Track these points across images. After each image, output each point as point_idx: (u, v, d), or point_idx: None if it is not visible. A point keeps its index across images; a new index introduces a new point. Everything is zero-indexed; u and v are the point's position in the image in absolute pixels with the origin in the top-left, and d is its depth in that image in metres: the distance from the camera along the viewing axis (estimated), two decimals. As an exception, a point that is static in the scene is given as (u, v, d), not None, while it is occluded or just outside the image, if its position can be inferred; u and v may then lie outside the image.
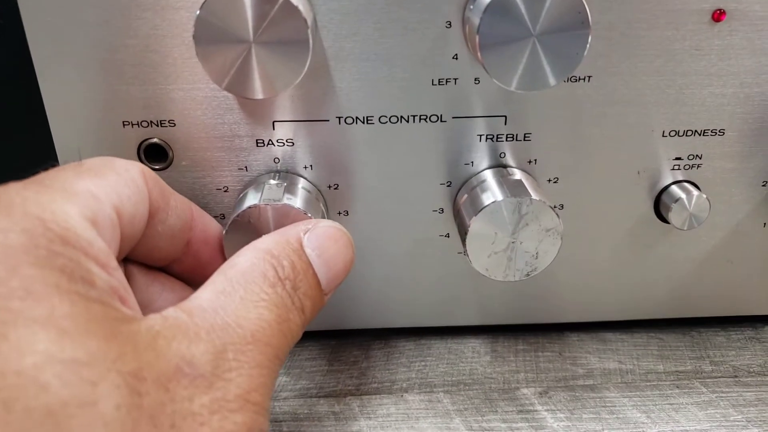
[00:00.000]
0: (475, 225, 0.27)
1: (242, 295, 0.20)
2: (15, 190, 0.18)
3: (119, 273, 0.19)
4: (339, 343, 0.34)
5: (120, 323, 0.17)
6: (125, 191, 0.21)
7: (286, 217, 0.27)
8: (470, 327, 0.34)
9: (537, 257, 0.28)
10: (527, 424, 0.29)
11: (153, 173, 0.24)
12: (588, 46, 0.24)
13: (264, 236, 0.23)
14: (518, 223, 0.27)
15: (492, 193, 0.28)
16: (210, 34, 0.23)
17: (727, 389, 0.31)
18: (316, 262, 0.22)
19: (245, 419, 0.17)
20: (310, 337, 0.34)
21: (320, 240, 0.23)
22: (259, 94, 0.24)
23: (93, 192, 0.20)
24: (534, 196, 0.27)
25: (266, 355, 0.19)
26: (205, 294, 0.20)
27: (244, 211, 0.26)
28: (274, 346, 0.19)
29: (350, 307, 0.33)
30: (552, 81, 0.24)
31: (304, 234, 0.23)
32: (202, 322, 0.18)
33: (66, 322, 0.15)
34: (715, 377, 0.32)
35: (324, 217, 0.29)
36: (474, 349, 0.34)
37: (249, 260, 0.21)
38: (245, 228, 0.26)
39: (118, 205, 0.21)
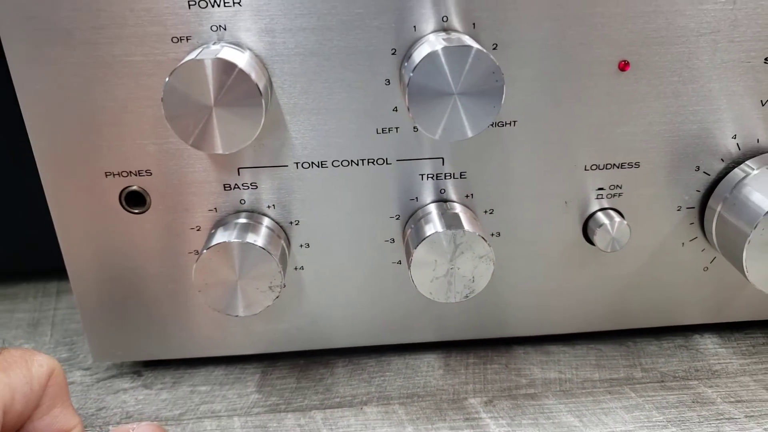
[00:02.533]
0: (418, 254, 0.31)
1: None
2: None
3: None
4: (307, 362, 0.38)
5: None
6: (23, 389, 0.24)
7: (250, 253, 0.30)
8: (426, 343, 0.38)
9: (473, 281, 0.32)
10: (472, 430, 0.32)
11: (63, 376, 0.27)
12: (502, 101, 0.28)
13: None
14: (455, 252, 0.31)
15: (433, 225, 0.31)
16: (177, 99, 0.27)
17: (653, 393, 0.34)
18: None
19: None
20: (280, 357, 0.38)
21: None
22: (220, 150, 0.28)
23: None
24: (467, 227, 0.31)
25: None
26: None
27: (212, 247, 0.30)
28: None
29: (316, 329, 0.36)
30: (470, 133, 0.28)
31: (132, 431, 0.27)
32: None
33: None
34: (644, 383, 0.35)
35: (286, 253, 0.33)
36: (429, 364, 0.37)
37: None
38: (213, 262, 0.30)
39: (7, 403, 0.24)
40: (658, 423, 0.32)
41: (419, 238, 0.31)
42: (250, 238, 0.31)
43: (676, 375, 0.36)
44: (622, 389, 0.35)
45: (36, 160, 0.31)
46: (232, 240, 0.30)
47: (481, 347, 0.38)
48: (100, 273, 0.34)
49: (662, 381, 0.35)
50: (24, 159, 0.34)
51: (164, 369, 0.37)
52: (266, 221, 0.33)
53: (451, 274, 0.31)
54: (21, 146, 0.33)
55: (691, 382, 0.35)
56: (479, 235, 0.31)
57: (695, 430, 0.32)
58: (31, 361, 0.26)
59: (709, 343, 0.38)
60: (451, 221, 0.31)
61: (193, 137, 0.28)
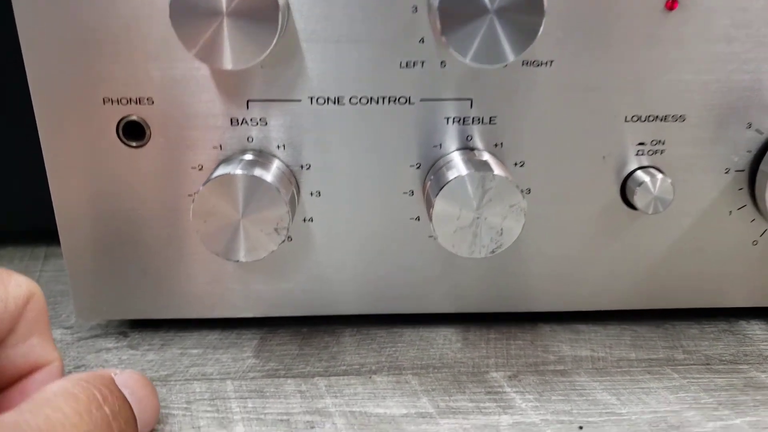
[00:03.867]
0: (441, 200, 0.28)
1: (48, 414, 0.19)
2: None
3: None
4: (311, 330, 0.34)
5: None
6: None
7: (256, 189, 0.27)
8: (442, 316, 0.35)
9: (501, 234, 0.28)
10: (495, 404, 0.29)
11: (44, 304, 0.24)
12: (544, 18, 0.25)
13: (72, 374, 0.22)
14: (482, 199, 0.28)
15: (457, 170, 0.28)
16: (185, 2, 0.25)
17: (698, 375, 0.31)
18: (130, 399, 0.22)
19: None
20: (281, 324, 0.34)
21: (130, 381, 0.23)
22: (227, 64, 0.25)
23: None
24: (498, 172, 0.28)
25: None
26: (6, 415, 0.18)
27: (216, 177, 0.27)
28: None
29: (321, 292, 0.33)
30: (510, 56, 0.25)
31: (114, 375, 0.23)
32: None
33: None
34: (687, 365, 0.32)
35: (295, 199, 0.30)
36: (445, 337, 0.34)
37: (60, 385, 0.20)
38: (215, 197, 0.27)
39: None
40: (707, 405, 0.29)
41: (441, 183, 0.28)
42: (258, 172, 0.28)
43: (723, 358, 0.32)
44: (663, 370, 0.31)
45: (29, 81, 0.29)
46: (237, 172, 0.27)
47: (503, 323, 0.35)
48: (90, 215, 0.31)
49: (708, 364, 0.32)
50: (15, 118, 0.32)
51: (153, 331, 0.34)
52: (276, 162, 0.30)
53: (476, 224, 0.28)
54: (12, 104, 0.31)
55: (740, 366, 0.31)
56: (511, 180, 0.28)
57: (751, 413, 0.28)
58: (8, 280, 0.23)
59: (756, 329, 0.35)
60: (478, 166, 0.28)
61: (198, 46, 0.25)
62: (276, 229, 0.28)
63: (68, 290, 0.33)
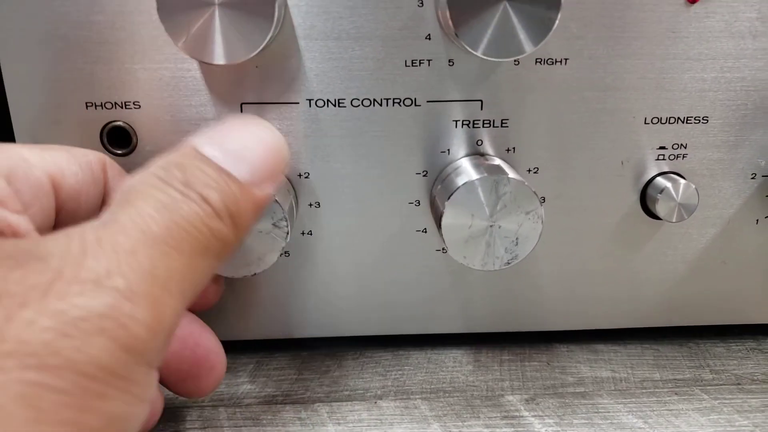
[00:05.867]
0: (450, 207, 0.26)
1: (114, 209, 0.18)
2: None
3: (20, 219, 0.19)
4: (310, 354, 0.32)
5: None
6: (71, 168, 0.22)
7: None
8: (452, 337, 0.32)
9: (517, 243, 0.26)
10: (512, 429, 0.26)
11: (118, 166, 0.25)
12: (561, 4, 0.23)
13: None
14: (496, 205, 0.26)
15: (467, 175, 0.26)
16: (175, -6, 0.23)
17: (730, 396, 0.28)
18: (218, 157, 0.19)
19: (95, 303, 0.15)
20: (279, 347, 0.32)
21: (216, 135, 0.20)
22: (219, 59, 0.23)
23: (22, 155, 0.21)
24: (512, 175, 0.26)
25: (137, 240, 0.17)
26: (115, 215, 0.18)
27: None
28: (154, 236, 0.17)
29: (320, 312, 0.31)
30: (526, 47, 0.24)
31: (195, 139, 0.20)
32: None
33: None
34: (717, 385, 0.29)
35: (294, 210, 0.28)
36: (456, 359, 0.31)
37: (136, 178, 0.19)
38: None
39: (57, 175, 0.21)
40: (743, 428, 0.26)
41: (451, 189, 0.26)
42: (252, 178, 0.25)
43: (755, 378, 0.30)
44: (692, 390, 0.29)
45: (5, 84, 0.27)
46: (230, 178, 0.25)
47: (517, 344, 0.32)
48: (71, 230, 0.29)
49: (739, 384, 0.29)
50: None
51: (140, 355, 0.31)
52: (271, 170, 0.28)
53: (490, 233, 0.26)
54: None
55: (774, 385, 0.29)
56: (527, 185, 0.26)
57: (791, 436, 0.26)
58: (76, 148, 0.23)
59: (786, 345, 0.32)
60: (491, 170, 0.26)
61: (185, 38, 0.23)
62: (274, 224, 0.26)
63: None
